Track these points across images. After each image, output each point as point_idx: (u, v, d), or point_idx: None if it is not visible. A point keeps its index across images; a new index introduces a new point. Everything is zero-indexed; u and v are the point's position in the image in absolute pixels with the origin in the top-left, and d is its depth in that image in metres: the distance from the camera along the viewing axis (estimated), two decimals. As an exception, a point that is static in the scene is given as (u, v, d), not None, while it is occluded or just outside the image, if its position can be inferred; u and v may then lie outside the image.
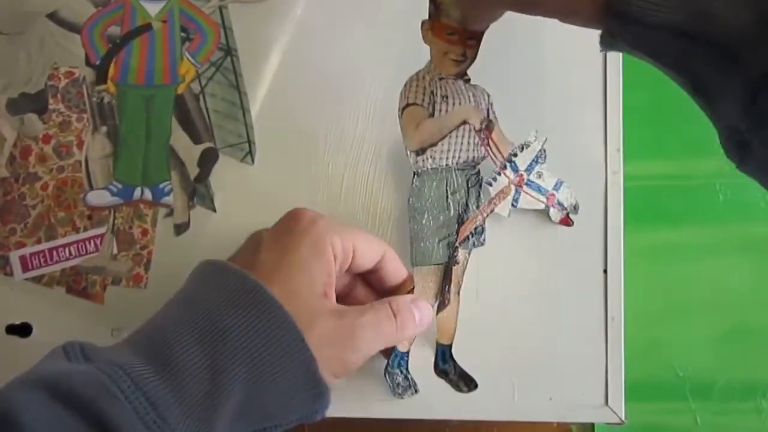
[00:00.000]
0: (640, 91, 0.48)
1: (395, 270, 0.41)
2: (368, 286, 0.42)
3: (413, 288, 0.42)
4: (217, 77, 0.46)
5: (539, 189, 0.44)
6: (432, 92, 0.41)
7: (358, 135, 0.46)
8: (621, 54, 0.44)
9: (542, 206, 0.44)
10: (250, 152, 0.45)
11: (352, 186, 0.45)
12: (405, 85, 0.42)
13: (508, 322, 0.45)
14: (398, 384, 0.43)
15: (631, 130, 0.46)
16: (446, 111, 0.42)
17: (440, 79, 0.42)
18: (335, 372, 0.35)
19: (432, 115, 0.42)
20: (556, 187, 0.44)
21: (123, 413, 0.27)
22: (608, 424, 0.44)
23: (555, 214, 0.44)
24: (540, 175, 0.44)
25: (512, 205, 0.44)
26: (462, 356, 0.44)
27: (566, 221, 0.44)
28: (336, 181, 0.46)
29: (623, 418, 0.44)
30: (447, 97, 0.42)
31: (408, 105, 0.42)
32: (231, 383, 0.30)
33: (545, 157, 0.44)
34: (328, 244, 0.36)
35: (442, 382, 0.44)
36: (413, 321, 0.38)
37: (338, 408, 0.38)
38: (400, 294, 0.41)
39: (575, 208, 0.44)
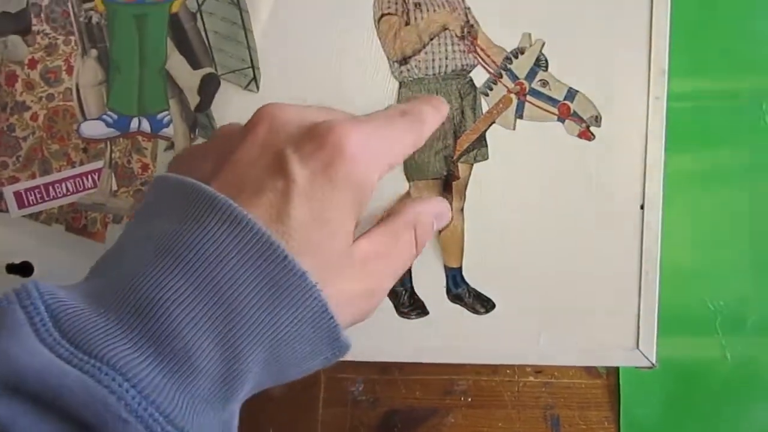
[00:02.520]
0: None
1: None
2: None
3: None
4: (215, -8, 0.41)
5: (548, 99, 0.41)
6: (404, 1, 0.41)
7: (372, 56, 0.42)
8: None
9: (555, 118, 0.41)
10: (255, 78, 0.41)
11: (364, 113, 0.42)
12: None
13: (530, 255, 0.42)
14: (402, 303, 0.41)
15: (674, 45, 0.42)
16: (422, 19, 0.41)
17: None
18: (356, 321, 0.32)
19: (408, 23, 0.41)
20: (569, 96, 0.41)
21: None
22: (638, 368, 0.42)
23: (571, 127, 0.41)
24: (545, 84, 0.41)
25: (518, 117, 0.41)
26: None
27: (586, 135, 0.41)
28: (348, 108, 0.41)
29: (654, 362, 0.42)
30: (420, 4, 0.41)
31: (383, 15, 0.41)
32: (249, 369, 0.26)
33: (547, 63, 0.41)
34: (370, 186, 0.29)
35: (456, 328, 0.42)
36: (431, 232, 0.35)
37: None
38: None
39: (597, 120, 0.41)
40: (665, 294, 0.44)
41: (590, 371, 0.47)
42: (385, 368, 0.47)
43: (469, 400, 0.47)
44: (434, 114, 0.33)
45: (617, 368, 0.47)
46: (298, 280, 0.25)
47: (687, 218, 0.46)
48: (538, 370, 0.47)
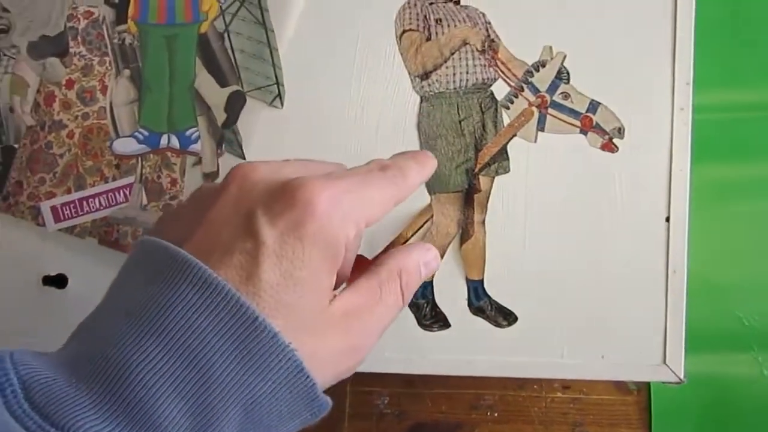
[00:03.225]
0: (712, 7, 0.43)
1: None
2: None
3: (412, 235, 0.40)
4: (242, 13, 0.42)
5: (570, 111, 0.41)
6: (425, 16, 0.41)
7: (394, 72, 0.42)
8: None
9: (577, 131, 0.41)
10: (279, 95, 0.42)
11: (387, 129, 0.42)
12: (397, 13, 0.42)
13: (553, 268, 0.42)
14: (424, 315, 0.41)
15: (700, 55, 0.41)
16: (442, 34, 0.41)
17: (431, 4, 0.41)
18: (339, 378, 0.30)
19: (429, 38, 0.41)
20: (591, 108, 0.40)
21: None
22: (666, 383, 0.41)
23: (594, 139, 0.41)
24: (567, 96, 0.41)
25: (540, 129, 0.41)
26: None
27: (609, 147, 0.41)
28: (371, 124, 0.42)
29: (682, 377, 0.41)
30: (441, 20, 0.41)
31: (404, 31, 0.41)
32: None
33: (569, 75, 0.40)
34: (343, 242, 0.28)
35: (479, 341, 0.42)
36: (418, 281, 0.33)
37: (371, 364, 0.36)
38: (397, 245, 0.37)
39: (620, 132, 0.40)
40: (695, 309, 0.43)
41: (620, 387, 0.46)
42: (410, 381, 0.47)
43: (496, 415, 0.47)
44: (418, 170, 0.32)
45: (648, 385, 0.46)
46: (270, 341, 0.25)
47: (716, 231, 0.45)
48: (566, 386, 0.47)
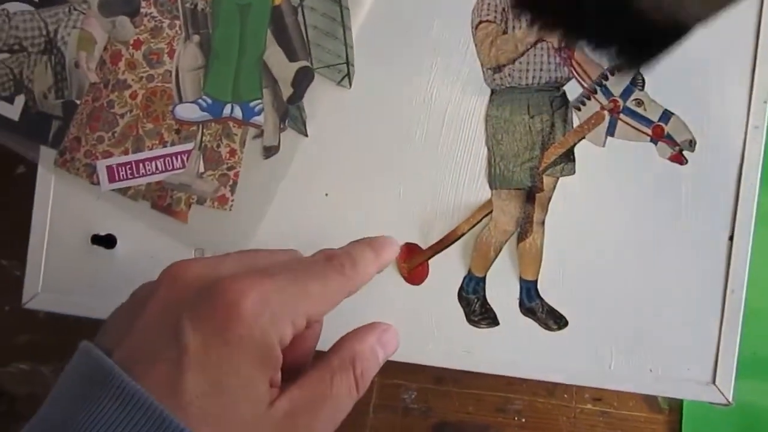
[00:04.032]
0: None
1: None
2: None
3: (469, 229, 0.40)
4: (318, -11, 0.42)
5: (642, 119, 0.40)
6: (504, 9, 0.41)
7: (467, 63, 0.42)
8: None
9: (647, 139, 0.40)
10: (348, 75, 0.42)
11: (453, 123, 0.42)
12: (476, 3, 0.41)
13: (609, 276, 0.41)
14: (474, 311, 0.41)
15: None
16: (519, 28, 0.41)
17: None
18: None
19: (505, 31, 0.41)
20: (664, 118, 0.40)
21: None
22: (712, 404, 0.40)
23: (664, 149, 0.40)
24: (640, 103, 0.40)
25: (609, 134, 0.40)
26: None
27: (678, 158, 0.40)
28: (437, 116, 0.42)
29: (730, 400, 0.40)
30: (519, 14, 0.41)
31: (481, 22, 0.41)
32: None
33: (644, 82, 0.40)
34: (276, 343, 0.26)
35: (525, 342, 0.41)
36: (376, 366, 0.30)
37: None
38: (452, 238, 0.36)
39: (691, 144, 0.40)
40: (750, 335, 0.42)
41: (652, 405, 0.46)
42: (440, 379, 0.47)
43: (523, 420, 0.47)
44: (372, 258, 0.30)
45: (680, 405, 0.45)
46: None
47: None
48: (597, 398, 0.46)
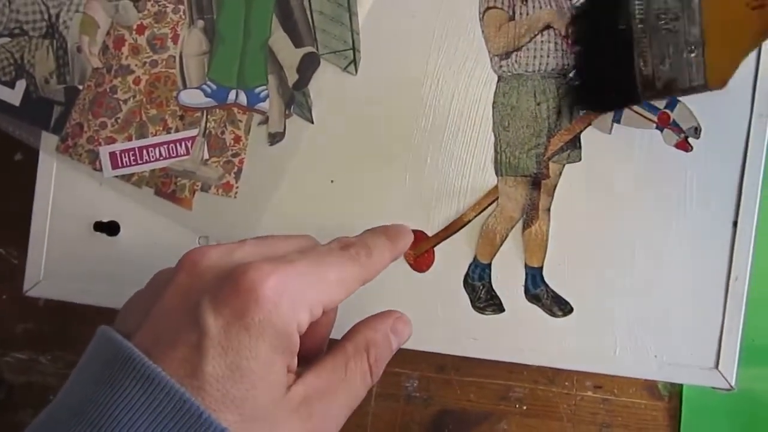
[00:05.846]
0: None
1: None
2: None
3: (475, 216, 0.40)
4: (324, -26, 0.42)
5: (648, 106, 0.40)
6: None
7: (474, 49, 0.42)
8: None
9: (653, 126, 0.40)
10: (354, 61, 0.42)
11: (460, 109, 0.42)
12: None
13: (614, 263, 0.41)
14: (479, 298, 0.41)
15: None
16: (527, 14, 0.40)
17: None
18: None
19: (513, 18, 0.41)
20: (670, 105, 0.40)
21: None
22: (715, 389, 0.41)
23: (669, 136, 0.40)
24: None
25: (615, 121, 0.40)
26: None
27: (684, 145, 0.40)
28: (443, 103, 0.42)
29: (733, 385, 0.40)
30: (527, 0, 0.41)
31: (488, 8, 0.41)
32: None
33: None
34: (294, 329, 0.27)
35: (529, 329, 0.41)
36: (389, 353, 0.32)
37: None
38: (458, 225, 0.37)
39: (696, 132, 0.40)
40: (753, 322, 0.42)
41: (652, 392, 0.46)
42: (441, 367, 0.47)
43: (524, 408, 0.47)
44: (387, 246, 0.31)
45: (680, 392, 0.46)
46: None
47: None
48: (598, 385, 0.46)
